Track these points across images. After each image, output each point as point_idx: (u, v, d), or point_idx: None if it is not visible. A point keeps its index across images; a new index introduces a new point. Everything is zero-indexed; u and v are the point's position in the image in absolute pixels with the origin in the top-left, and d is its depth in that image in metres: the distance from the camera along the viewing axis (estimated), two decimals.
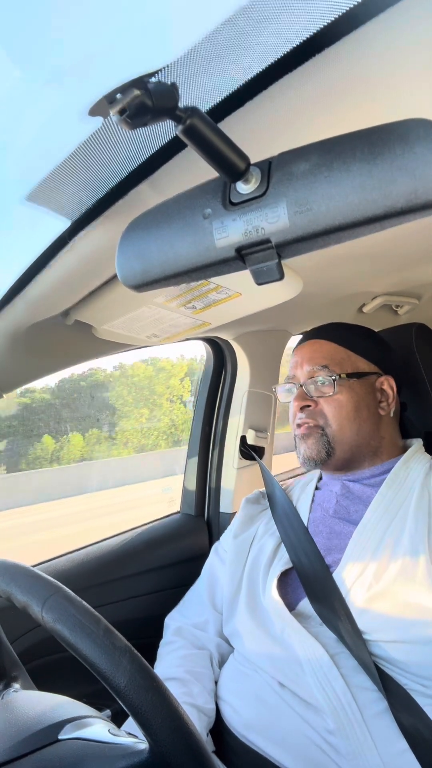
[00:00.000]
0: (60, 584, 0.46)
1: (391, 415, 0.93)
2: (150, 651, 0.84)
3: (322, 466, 0.90)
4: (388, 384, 0.93)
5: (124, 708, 0.39)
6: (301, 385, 0.91)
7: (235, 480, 1.27)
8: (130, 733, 0.46)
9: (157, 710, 0.38)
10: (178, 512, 1.34)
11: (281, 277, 0.41)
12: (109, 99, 0.36)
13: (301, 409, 0.91)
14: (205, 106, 0.43)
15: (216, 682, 0.83)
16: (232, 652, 0.86)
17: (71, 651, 0.42)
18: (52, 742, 0.44)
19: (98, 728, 0.46)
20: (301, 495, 0.97)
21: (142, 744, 0.41)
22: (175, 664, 0.84)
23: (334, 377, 0.88)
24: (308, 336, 0.98)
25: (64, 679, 0.96)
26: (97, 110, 0.38)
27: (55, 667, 0.96)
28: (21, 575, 0.47)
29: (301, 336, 1.35)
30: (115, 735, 0.44)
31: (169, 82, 0.35)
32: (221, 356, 1.32)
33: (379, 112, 0.47)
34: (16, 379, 0.87)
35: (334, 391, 0.88)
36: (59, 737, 0.44)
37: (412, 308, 1.31)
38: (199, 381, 1.37)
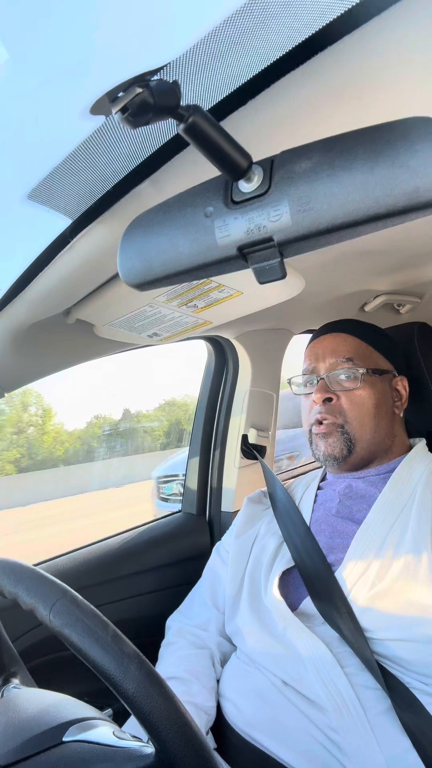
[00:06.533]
0: (67, 587, 0.46)
1: (401, 415, 0.93)
2: (152, 650, 0.84)
3: (342, 463, 0.89)
4: (402, 385, 0.93)
5: (132, 714, 0.39)
6: (323, 378, 0.89)
7: (237, 479, 1.27)
8: (135, 737, 0.45)
9: (164, 716, 0.38)
10: (180, 511, 1.34)
11: (283, 275, 0.41)
12: (111, 97, 0.36)
13: (322, 402, 0.88)
14: (207, 105, 0.43)
15: (218, 681, 0.83)
16: (234, 650, 0.86)
17: (79, 656, 0.41)
18: (56, 744, 0.44)
19: (103, 731, 0.45)
20: (303, 494, 0.97)
21: (149, 748, 0.41)
22: (175, 664, 0.84)
23: (361, 371, 0.87)
24: (328, 329, 0.95)
25: (65, 677, 0.96)
26: (98, 108, 0.38)
27: (56, 666, 0.96)
28: (28, 577, 0.47)
29: (301, 335, 1.36)
30: (120, 738, 0.44)
31: (171, 80, 0.35)
32: (223, 355, 1.32)
33: (381, 110, 0.47)
34: (17, 378, 0.87)
35: (358, 385, 0.86)
36: (63, 739, 0.44)
37: (414, 307, 1.31)
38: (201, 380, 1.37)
